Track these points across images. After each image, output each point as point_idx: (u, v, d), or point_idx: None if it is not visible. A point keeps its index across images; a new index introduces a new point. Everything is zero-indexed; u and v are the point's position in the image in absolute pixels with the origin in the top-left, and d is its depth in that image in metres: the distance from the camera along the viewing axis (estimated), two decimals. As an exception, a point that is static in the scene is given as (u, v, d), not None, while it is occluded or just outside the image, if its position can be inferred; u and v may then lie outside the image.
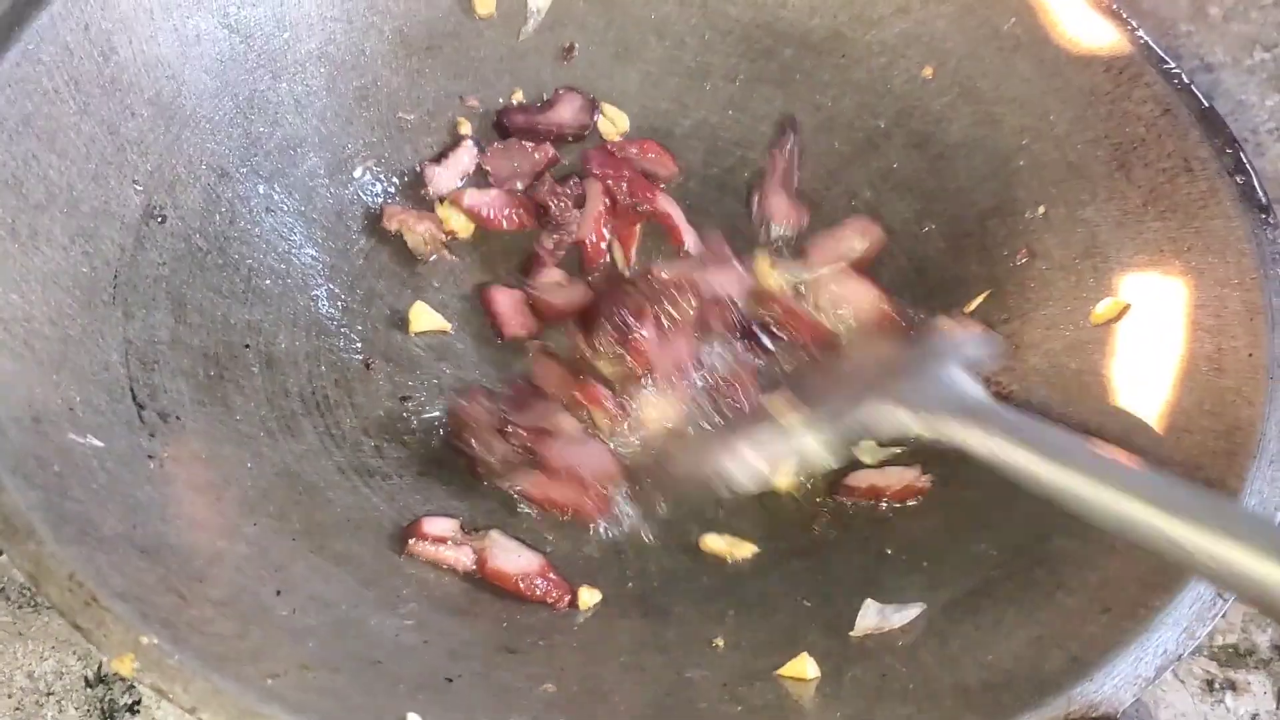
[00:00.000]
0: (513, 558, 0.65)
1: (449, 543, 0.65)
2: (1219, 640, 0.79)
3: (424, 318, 0.76)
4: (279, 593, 0.56)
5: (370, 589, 0.60)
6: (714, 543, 0.69)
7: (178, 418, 0.63)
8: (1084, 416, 0.66)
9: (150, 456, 0.60)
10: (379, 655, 0.55)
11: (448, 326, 0.76)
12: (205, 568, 0.55)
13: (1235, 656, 0.76)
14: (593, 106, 0.85)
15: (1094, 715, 0.49)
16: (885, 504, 0.69)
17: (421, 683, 0.54)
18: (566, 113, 0.85)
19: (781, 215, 0.83)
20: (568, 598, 0.64)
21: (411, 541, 0.65)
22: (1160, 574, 0.55)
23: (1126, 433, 0.64)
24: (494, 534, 0.67)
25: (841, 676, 0.57)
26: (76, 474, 0.55)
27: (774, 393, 0.68)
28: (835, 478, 0.71)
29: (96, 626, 0.48)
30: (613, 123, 0.86)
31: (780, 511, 0.70)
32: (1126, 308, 0.69)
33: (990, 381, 0.70)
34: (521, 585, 0.64)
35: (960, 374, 0.62)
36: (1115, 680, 0.51)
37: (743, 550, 0.68)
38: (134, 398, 0.62)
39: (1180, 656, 0.52)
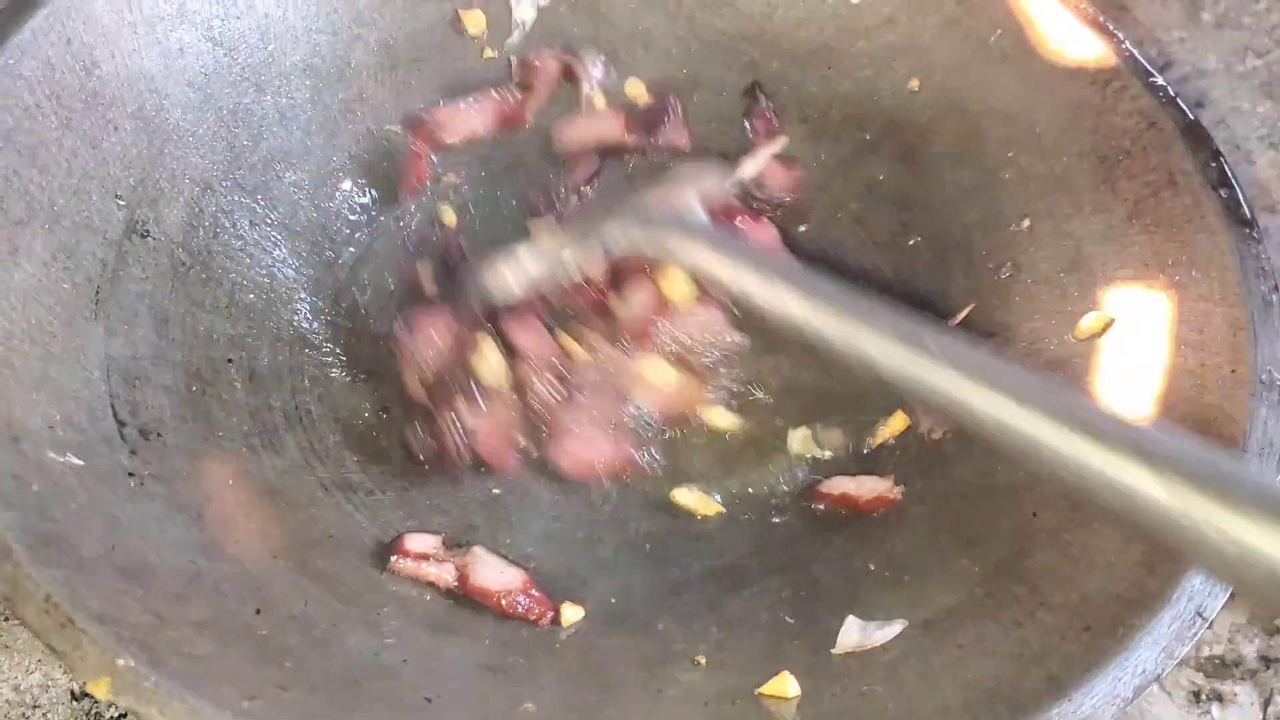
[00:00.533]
0: (495, 574, 0.65)
1: (431, 559, 0.65)
2: (1205, 651, 0.79)
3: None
4: (259, 612, 0.56)
5: (350, 607, 0.60)
6: (684, 497, 0.72)
7: (159, 435, 0.63)
8: None
9: (131, 474, 0.59)
10: (358, 675, 0.54)
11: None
12: (185, 587, 0.54)
13: (1222, 668, 0.76)
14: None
15: (1073, 735, 0.49)
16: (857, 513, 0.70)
17: (402, 703, 0.53)
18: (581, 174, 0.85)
19: (778, 179, 0.83)
20: (550, 614, 0.64)
21: (394, 559, 0.65)
22: (1141, 592, 0.55)
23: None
24: (477, 549, 0.67)
25: (822, 695, 0.56)
26: (55, 493, 0.54)
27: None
28: (809, 484, 0.72)
29: (72, 649, 0.47)
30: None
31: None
32: (1111, 322, 0.69)
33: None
34: (504, 602, 0.64)
35: (693, 202, 0.72)
36: (1094, 700, 0.51)
37: (710, 508, 0.71)
38: (115, 415, 0.62)
39: (1159, 676, 0.52)
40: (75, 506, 0.55)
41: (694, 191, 0.73)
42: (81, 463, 0.57)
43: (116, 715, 0.68)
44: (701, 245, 0.67)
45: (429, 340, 0.72)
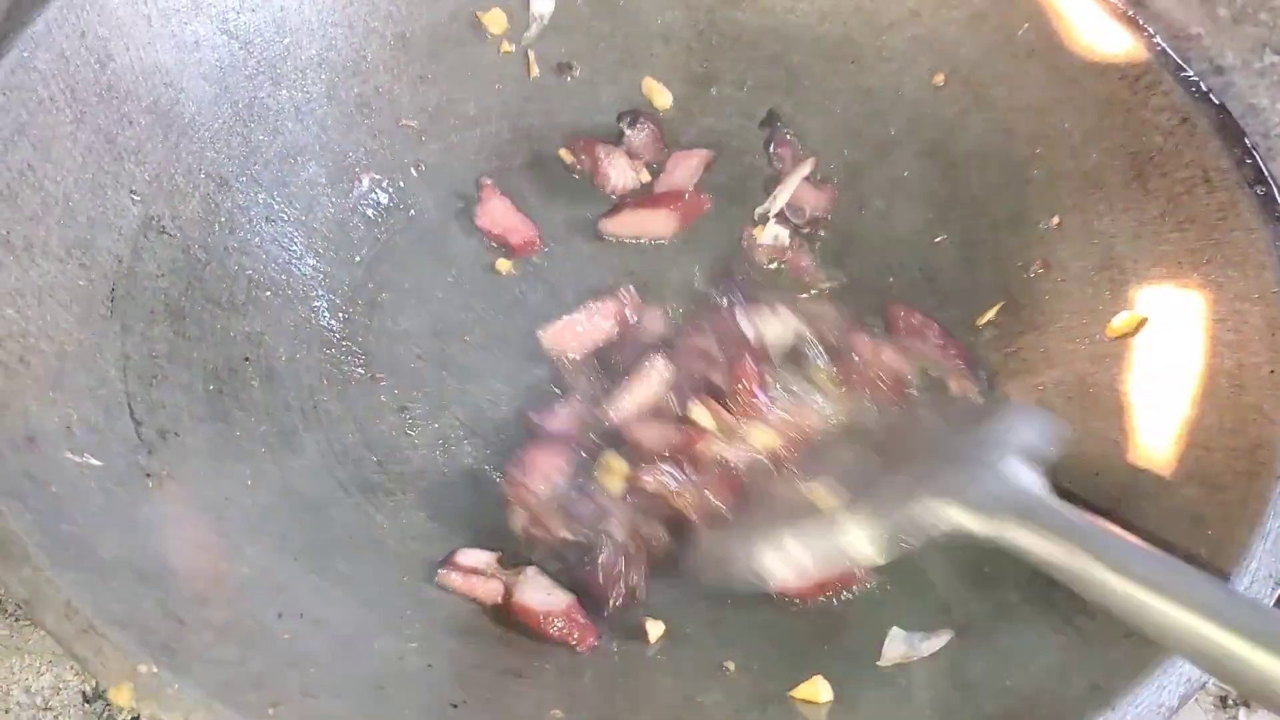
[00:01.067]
0: (541, 595, 0.63)
1: (480, 574, 0.64)
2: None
3: None
4: (280, 615, 0.55)
5: (373, 610, 0.60)
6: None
7: (177, 434, 0.63)
8: (1105, 433, 0.66)
9: (149, 475, 0.59)
10: (382, 680, 0.54)
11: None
12: (206, 591, 0.54)
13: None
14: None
15: (1118, 746, 0.48)
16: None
17: (425, 708, 0.53)
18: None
19: (812, 200, 0.83)
20: (591, 640, 0.62)
21: (442, 571, 0.64)
22: None
23: (1144, 452, 0.63)
24: (530, 570, 0.65)
25: (857, 703, 0.56)
26: (74, 495, 0.54)
27: (815, 479, 0.63)
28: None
29: (94, 654, 0.47)
30: (654, 98, 0.86)
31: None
32: (1144, 321, 0.68)
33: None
34: (543, 622, 0.62)
35: (1020, 466, 0.57)
36: (1139, 709, 0.50)
37: None
38: (132, 414, 0.62)
39: (1205, 684, 0.51)
40: (94, 508, 0.55)
41: (1015, 452, 0.59)
42: (99, 463, 0.57)
43: (128, 719, 0.67)
44: (1057, 537, 0.52)
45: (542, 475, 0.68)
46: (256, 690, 0.48)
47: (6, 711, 0.67)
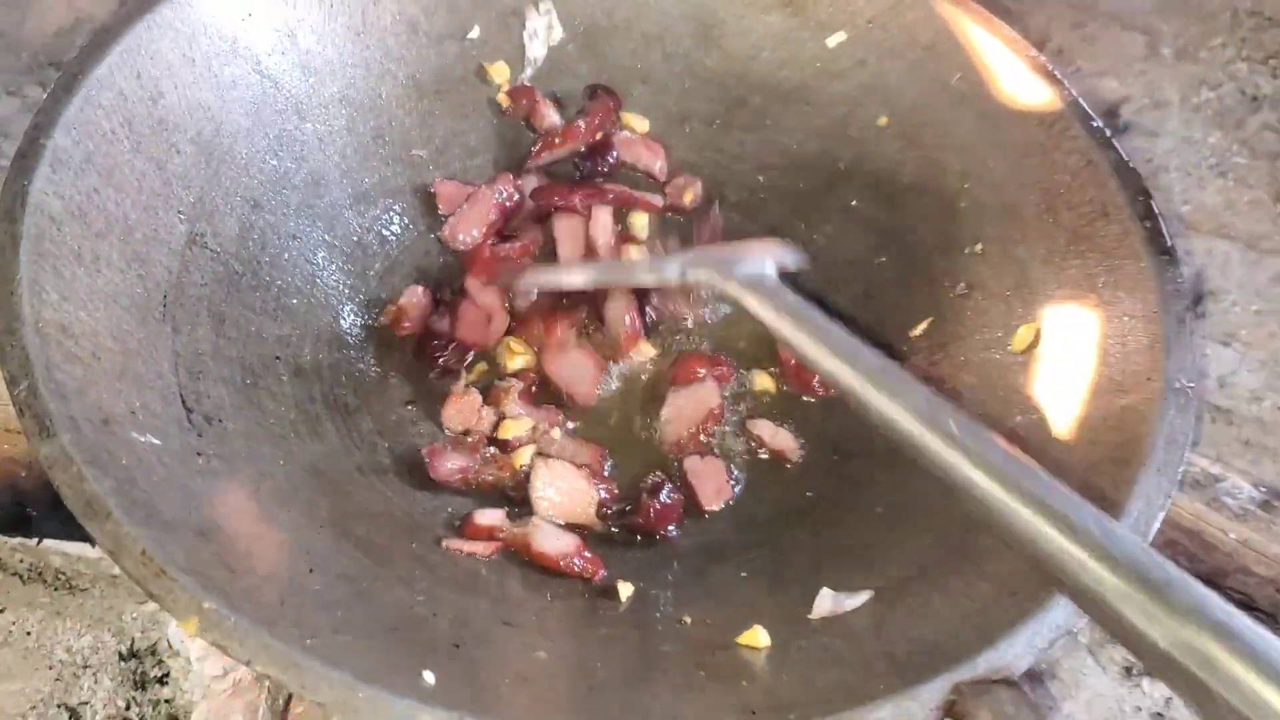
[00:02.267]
0: (552, 540, 0.73)
1: (496, 532, 0.74)
2: None
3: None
4: (311, 570, 0.63)
5: (386, 568, 0.67)
6: None
7: (220, 420, 0.70)
8: (1012, 429, 0.75)
9: (198, 454, 0.67)
10: (396, 624, 0.62)
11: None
12: (249, 547, 0.62)
13: None
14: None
15: (995, 678, 0.58)
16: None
17: (433, 647, 0.61)
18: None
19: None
20: (601, 573, 0.73)
21: (453, 541, 0.74)
22: None
23: (1042, 436, 0.73)
24: (536, 519, 0.75)
25: (789, 648, 0.65)
26: (140, 467, 0.62)
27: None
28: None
29: (166, 593, 0.55)
30: (633, 127, 0.94)
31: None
32: (1040, 332, 0.77)
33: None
34: (562, 564, 0.73)
35: (769, 265, 0.77)
36: (1016, 649, 0.60)
37: None
38: (183, 402, 0.69)
39: (1070, 630, 0.61)
40: (156, 478, 0.62)
41: (770, 255, 0.80)
42: (159, 442, 0.65)
43: (160, 675, 0.74)
44: (770, 304, 0.74)
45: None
46: (296, 626, 0.56)
47: (50, 668, 0.73)
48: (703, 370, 0.85)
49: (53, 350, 0.63)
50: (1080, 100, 0.83)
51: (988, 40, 0.86)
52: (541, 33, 0.93)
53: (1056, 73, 0.85)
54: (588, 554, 0.73)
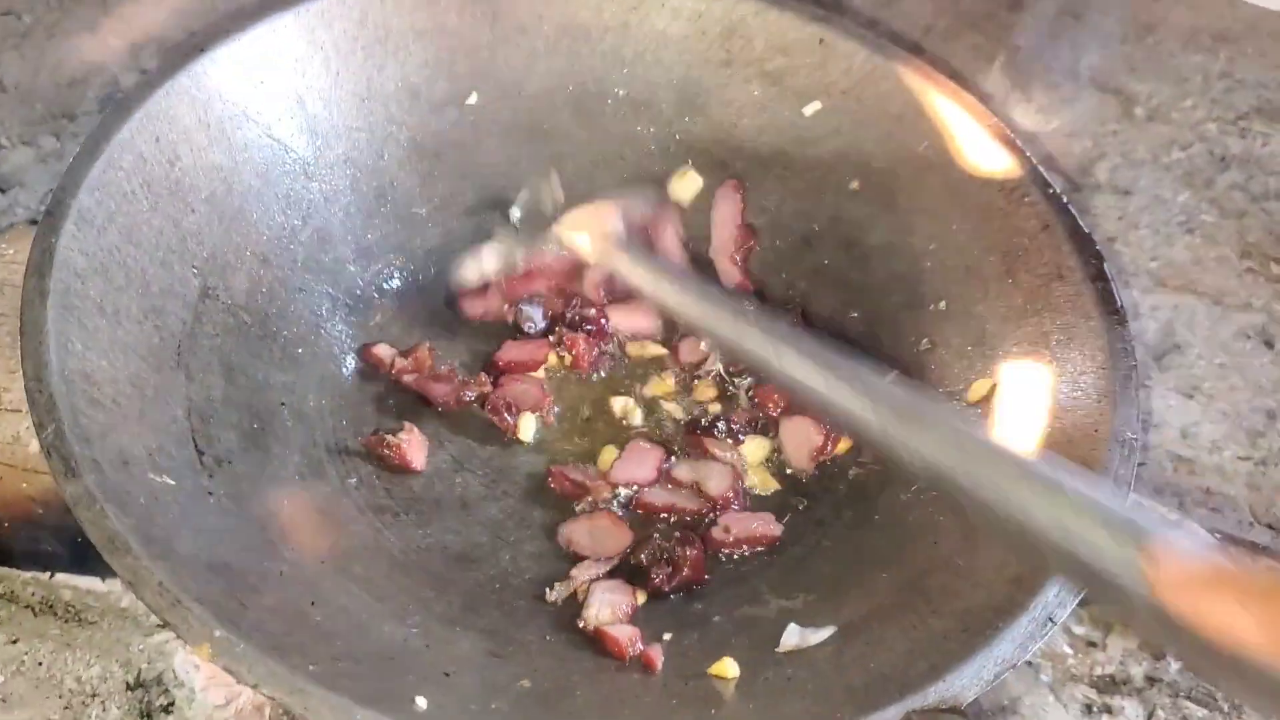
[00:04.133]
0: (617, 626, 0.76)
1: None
2: (1098, 670, 0.90)
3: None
4: (313, 603, 0.67)
5: (383, 604, 0.72)
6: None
7: (230, 462, 0.74)
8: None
9: (210, 493, 0.71)
10: (392, 654, 0.67)
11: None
12: (257, 582, 0.66)
13: (1112, 685, 0.86)
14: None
15: (943, 708, 0.63)
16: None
17: (426, 676, 0.65)
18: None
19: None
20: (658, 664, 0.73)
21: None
22: (1009, 603, 0.68)
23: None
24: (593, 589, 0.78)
25: (757, 679, 0.69)
26: (157, 505, 0.66)
27: None
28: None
29: (181, 622, 0.60)
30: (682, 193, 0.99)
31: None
32: (995, 386, 0.82)
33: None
34: (628, 649, 0.74)
35: (615, 217, 0.84)
36: (963, 681, 0.64)
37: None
38: (195, 446, 0.73)
39: (1014, 665, 0.65)
40: (171, 516, 0.66)
41: (618, 207, 0.85)
42: (173, 483, 0.69)
43: (165, 704, 0.77)
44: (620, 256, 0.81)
45: None
46: (299, 654, 0.61)
47: (60, 697, 0.76)
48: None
49: (77, 397, 0.67)
50: (1039, 167, 0.87)
51: (953, 110, 0.90)
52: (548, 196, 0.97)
53: (1017, 141, 0.89)
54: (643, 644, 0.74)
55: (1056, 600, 0.67)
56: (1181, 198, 1.36)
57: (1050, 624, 0.66)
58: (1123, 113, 1.44)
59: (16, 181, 1.27)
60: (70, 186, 0.74)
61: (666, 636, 0.74)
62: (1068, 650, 0.92)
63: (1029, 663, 0.80)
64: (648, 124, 0.99)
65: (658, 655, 0.72)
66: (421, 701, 0.62)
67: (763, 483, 0.87)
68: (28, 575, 0.81)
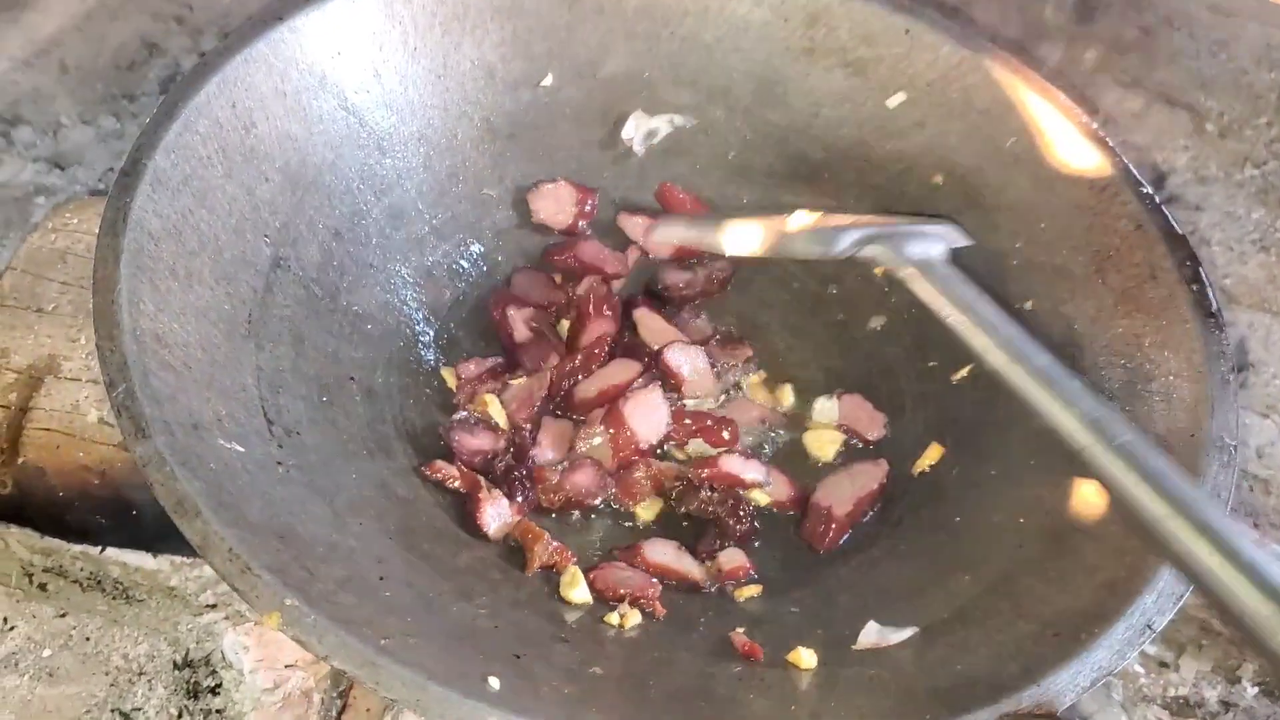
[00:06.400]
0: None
1: None
2: (1171, 691, 0.88)
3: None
4: (381, 579, 0.66)
5: (449, 582, 0.70)
6: None
7: (298, 433, 0.73)
8: (1055, 483, 0.76)
9: (279, 463, 0.70)
10: (462, 633, 0.65)
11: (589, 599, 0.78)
12: (325, 553, 0.65)
13: (1186, 707, 0.85)
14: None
15: (1038, 713, 0.61)
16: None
17: (496, 656, 0.64)
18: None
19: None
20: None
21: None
22: (1103, 608, 0.66)
23: (1087, 490, 0.74)
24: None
25: (837, 676, 0.68)
26: (227, 472, 0.65)
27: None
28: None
29: (250, 589, 0.58)
30: None
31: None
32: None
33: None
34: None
35: (938, 245, 0.79)
36: (1058, 685, 0.62)
37: None
38: (265, 414, 0.72)
39: (1111, 671, 0.63)
40: (241, 483, 0.65)
41: (940, 235, 0.81)
42: (243, 449, 0.68)
43: (213, 685, 0.76)
44: (939, 286, 0.76)
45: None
46: (370, 626, 0.59)
47: (106, 674, 0.76)
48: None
49: (149, 358, 0.66)
50: (1131, 167, 0.86)
51: (1042, 106, 0.89)
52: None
53: (1108, 140, 0.88)
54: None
55: (1155, 607, 0.65)
56: (1256, 214, 1.34)
57: (1149, 631, 0.64)
58: (1194, 129, 1.42)
59: (76, 160, 1.27)
60: (146, 147, 0.74)
61: (739, 629, 0.72)
62: (1139, 669, 0.90)
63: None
64: (723, 110, 0.97)
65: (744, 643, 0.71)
66: (494, 681, 0.60)
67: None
68: (77, 549, 0.81)
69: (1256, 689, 0.89)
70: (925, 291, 0.76)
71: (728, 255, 0.88)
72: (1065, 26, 1.46)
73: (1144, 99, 1.42)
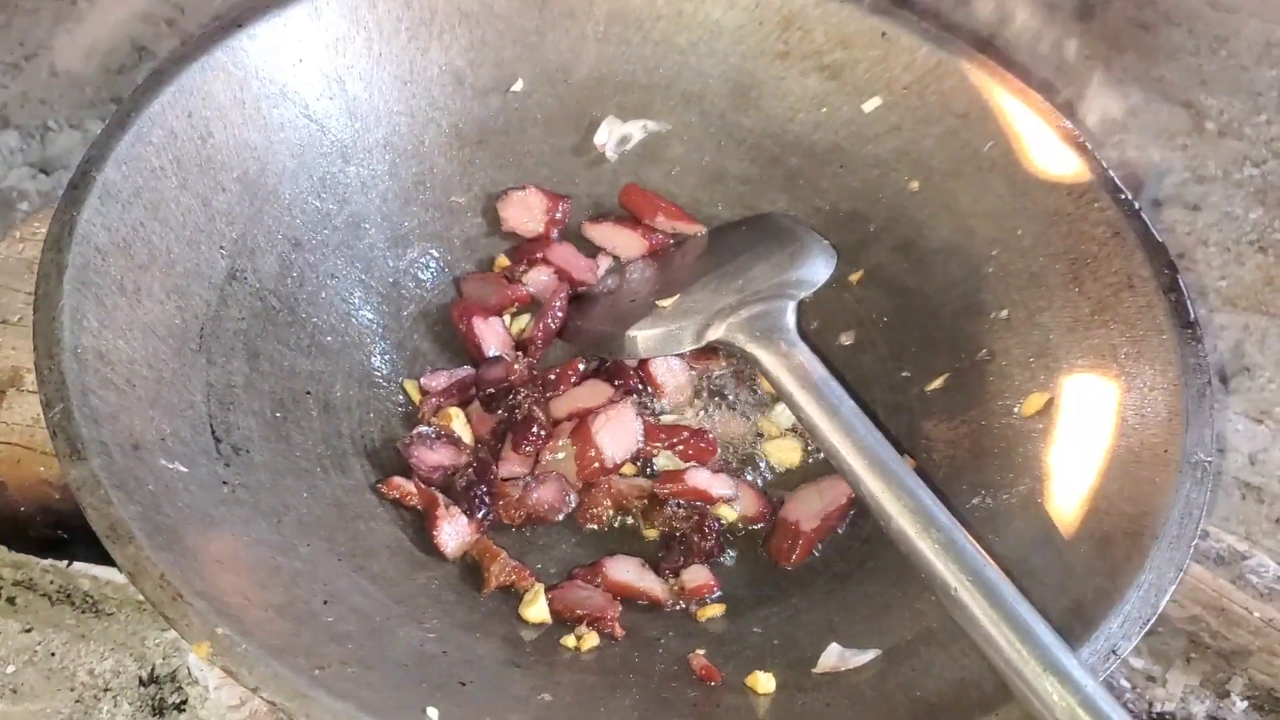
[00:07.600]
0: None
1: None
2: (1157, 707, 0.87)
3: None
4: (326, 602, 0.65)
5: (400, 606, 0.69)
6: None
7: (248, 451, 0.72)
8: (1025, 494, 0.76)
9: (224, 483, 0.68)
10: (406, 660, 0.64)
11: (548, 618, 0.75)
12: (266, 577, 0.64)
13: None
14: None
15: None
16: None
17: (440, 684, 0.62)
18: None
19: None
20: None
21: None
22: (1067, 634, 0.63)
23: (1055, 512, 0.73)
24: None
25: (794, 702, 0.66)
26: (166, 493, 0.63)
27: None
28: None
29: (180, 618, 0.57)
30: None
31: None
32: (1051, 400, 0.78)
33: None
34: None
35: (787, 310, 0.81)
36: (1015, 715, 0.60)
37: None
38: (213, 432, 0.71)
39: None
40: (180, 505, 0.64)
41: (795, 287, 0.84)
42: (186, 470, 0.66)
43: (178, 702, 0.76)
44: (785, 371, 0.77)
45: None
46: (306, 656, 0.58)
47: (72, 689, 0.75)
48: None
49: (89, 376, 0.65)
50: (1109, 172, 0.84)
51: (1020, 110, 0.87)
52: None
53: (1087, 144, 0.86)
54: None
55: (1120, 632, 0.63)
56: (1254, 215, 1.32)
57: (1114, 656, 0.62)
58: (1193, 126, 1.40)
59: (62, 164, 1.26)
60: (96, 160, 0.72)
61: (700, 652, 0.71)
62: (1125, 684, 0.88)
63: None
64: (698, 115, 0.96)
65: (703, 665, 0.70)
66: (433, 712, 0.59)
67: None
68: (46, 563, 0.80)
69: (1245, 703, 0.87)
70: (769, 371, 0.78)
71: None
72: (1064, 22, 1.45)
73: (1142, 96, 1.40)
